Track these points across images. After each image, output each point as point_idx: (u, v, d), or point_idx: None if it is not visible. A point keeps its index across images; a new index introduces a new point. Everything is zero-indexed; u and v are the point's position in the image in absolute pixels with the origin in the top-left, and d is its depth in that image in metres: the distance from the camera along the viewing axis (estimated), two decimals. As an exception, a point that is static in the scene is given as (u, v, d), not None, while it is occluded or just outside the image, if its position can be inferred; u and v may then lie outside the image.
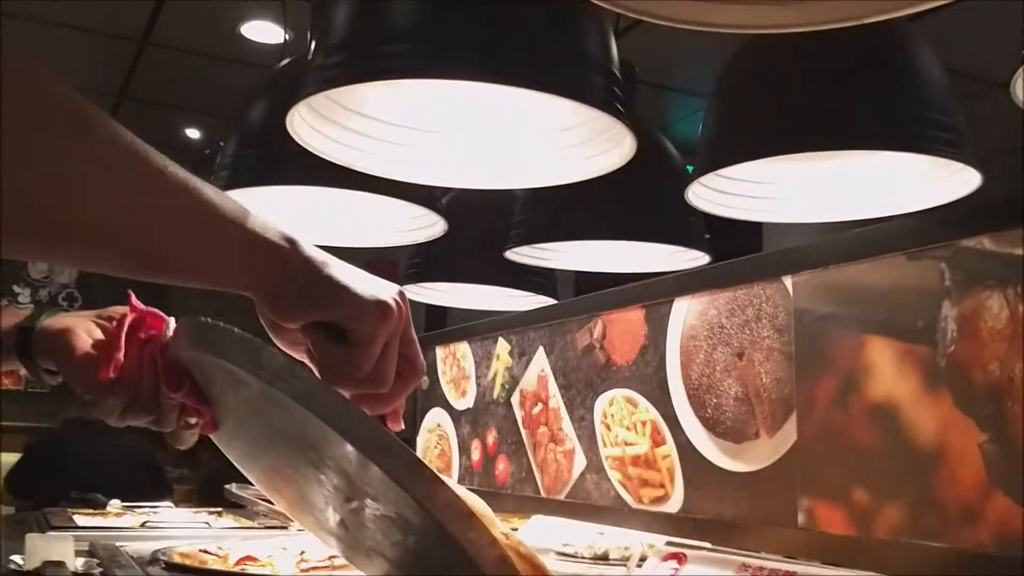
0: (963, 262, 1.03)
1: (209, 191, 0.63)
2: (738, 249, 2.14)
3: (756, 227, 4.97)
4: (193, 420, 0.76)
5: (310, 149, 1.48)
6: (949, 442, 1.03)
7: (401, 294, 0.72)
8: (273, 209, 2.05)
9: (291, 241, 0.67)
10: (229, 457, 0.81)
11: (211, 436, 0.79)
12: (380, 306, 0.69)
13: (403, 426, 0.77)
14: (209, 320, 0.69)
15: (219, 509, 2.66)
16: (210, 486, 4.01)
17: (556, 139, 1.56)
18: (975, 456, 1.00)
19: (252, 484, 0.85)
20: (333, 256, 0.71)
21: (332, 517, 0.75)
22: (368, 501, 0.67)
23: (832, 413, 1.19)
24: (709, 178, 1.83)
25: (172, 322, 0.78)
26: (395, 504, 0.64)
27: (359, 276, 0.70)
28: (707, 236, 2.25)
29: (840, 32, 1.62)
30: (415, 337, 0.73)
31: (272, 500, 0.83)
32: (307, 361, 0.72)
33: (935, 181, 1.75)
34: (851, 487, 1.15)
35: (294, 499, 0.82)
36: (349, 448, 0.61)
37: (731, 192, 1.89)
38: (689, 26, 1.10)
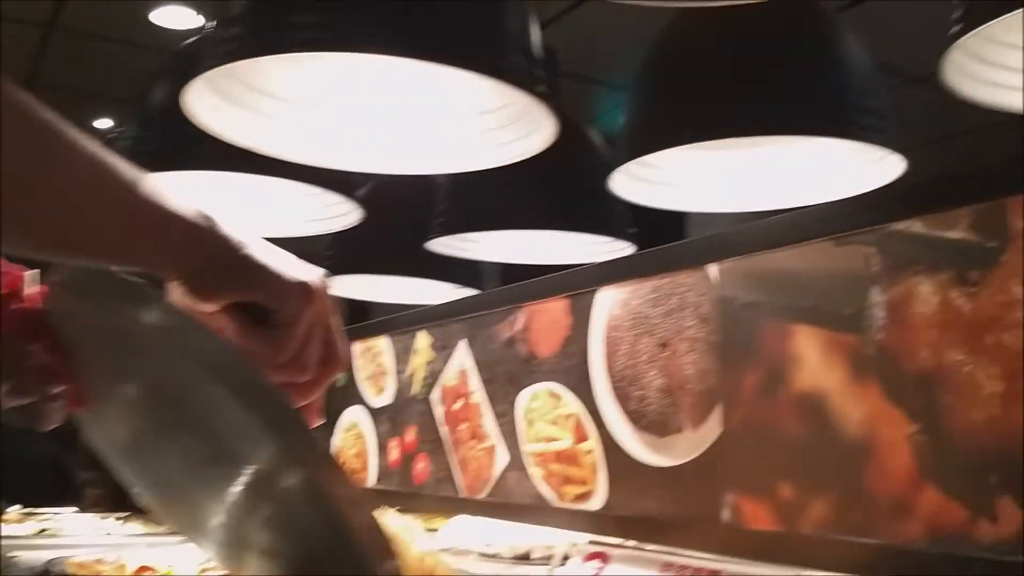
0: (892, 247, 1.00)
1: (123, 168, 0.60)
2: (662, 239, 2.10)
3: (680, 217, 4.98)
4: (56, 390, 0.69)
5: (209, 131, 1.39)
6: (878, 434, 0.99)
7: (323, 278, 0.69)
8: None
9: (209, 219, 0.64)
10: (97, 443, 0.74)
11: (82, 421, 0.72)
12: (303, 287, 0.66)
13: (323, 419, 0.74)
14: (91, 267, 0.64)
15: (127, 514, 2.54)
16: (122, 490, 3.85)
17: (475, 122, 1.49)
18: (905, 448, 0.96)
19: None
20: (255, 236, 0.68)
21: (217, 515, 0.69)
22: (271, 491, 0.62)
23: (758, 405, 1.14)
24: (633, 167, 1.79)
25: (31, 275, 0.71)
26: (301, 500, 0.60)
27: (280, 256, 0.68)
28: (632, 227, 2.21)
29: (765, 18, 1.58)
30: (338, 323, 0.70)
31: (143, 493, 0.77)
32: None
33: (859, 168, 1.73)
34: (777, 481, 1.11)
35: (173, 494, 0.75)
36: (256, 424, 0.58)
37: (655, 181, 1.85)
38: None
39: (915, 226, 0.97)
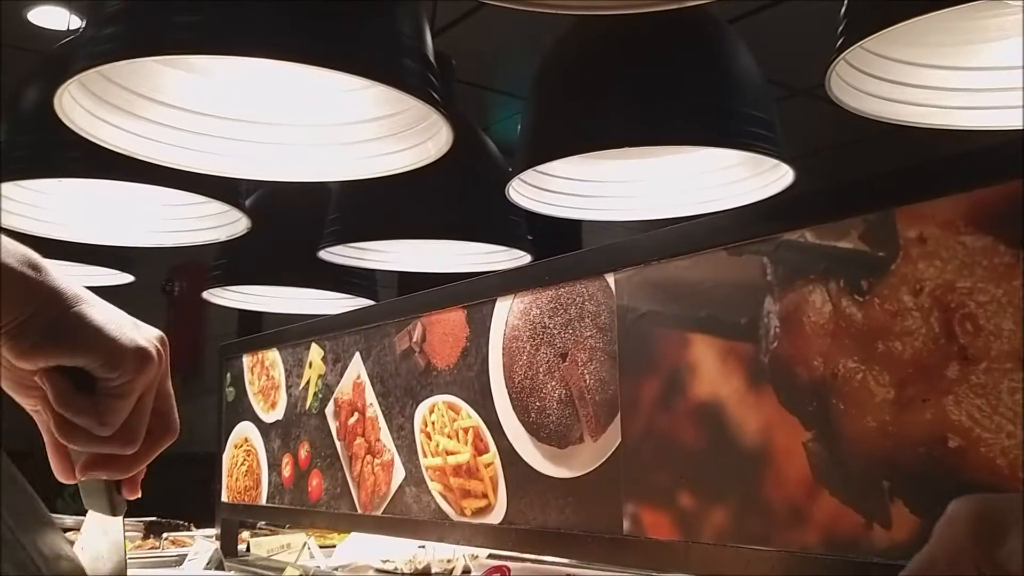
0: (785, 256, 1.00)
1: None
2: (558, 250, 2.10)
3: (576, 227, 5.03)
4: None
5: (84, 135, 1.31)
6: (774, 441, 1.00)
7: (163, 340, 0.65)
8: (52, 205, 1.83)
9: (37, 268, 0.57)
10: None
11: None
12: (139, 353, 0.61)
13: (139, 494, 0.69)
14: None
15: None
16: None
17: (365, 130, 1.45)
18: (800, 455, 0.97)
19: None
20: (90, 291, 0.61)
21: None
22: None
23: (656, 414, 1.14)
24: (531, 175, 1.78)
25: None
26: None
27: (117, 316, 0.61)
28: (527, 236, 2.20)
29: (657, 28, 1.60)
30: (171, 390, 0.65)
31: None
32: (41, 411, 0.60)
33: (748, 178, 1.76)
34: (676, 490, 1.11)
35: None
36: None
37: (552, 190, 1.84)
38: (512, 5, 1.02)
39: (807, 235, 0.98)
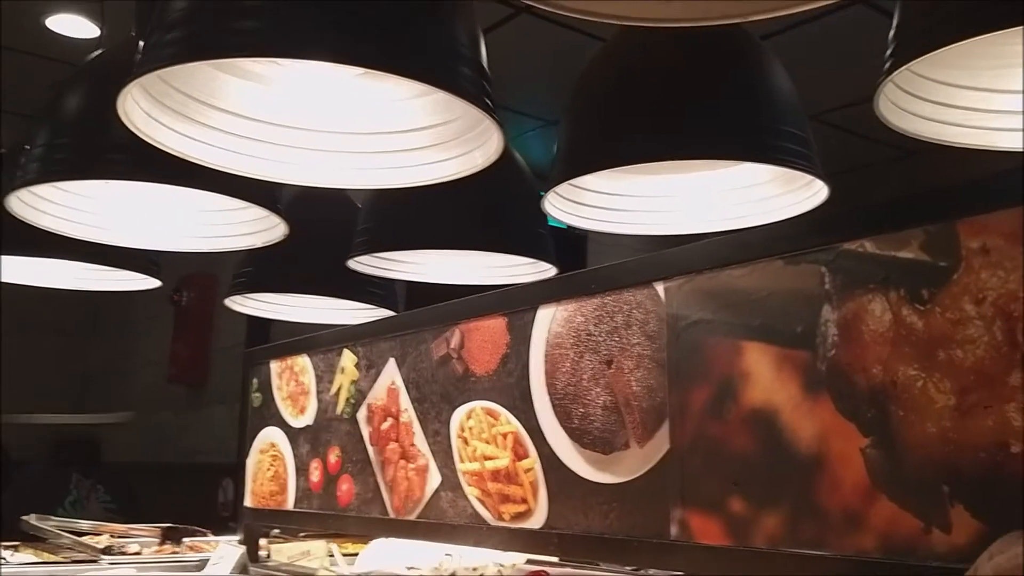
0: (844, 265, 1.03)
1: None
2: (563, 263, 2.13)
3: (581, 243, 5.05)
4: None
5: (143, 137, 1.33)
6: (830, 447, 1.02)
7: None
8: (92, 208, 1.85)
9: None
10: None
11: None
12: None
13: None
14: None
15: (16, 543, 2.39)
16: (7, 517, 3.63)
17: (415, 138, 1.48)
18: (857, 461, 0.99)
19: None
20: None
21: None
22: None
23: (707, 421, 1.16)
24: (566, 188, 1.80)
25: None
26: None
27: None
28: (554, 249, 2.22)
29: (691, 43, 1.63)
30: None
31: None
32: None
33: (780, 195, 1.78)
34: (727, 496, 1.12)
35: None
36: None
37: (586, 203, 1.87)
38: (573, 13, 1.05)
39: (867, 245, 1.01)
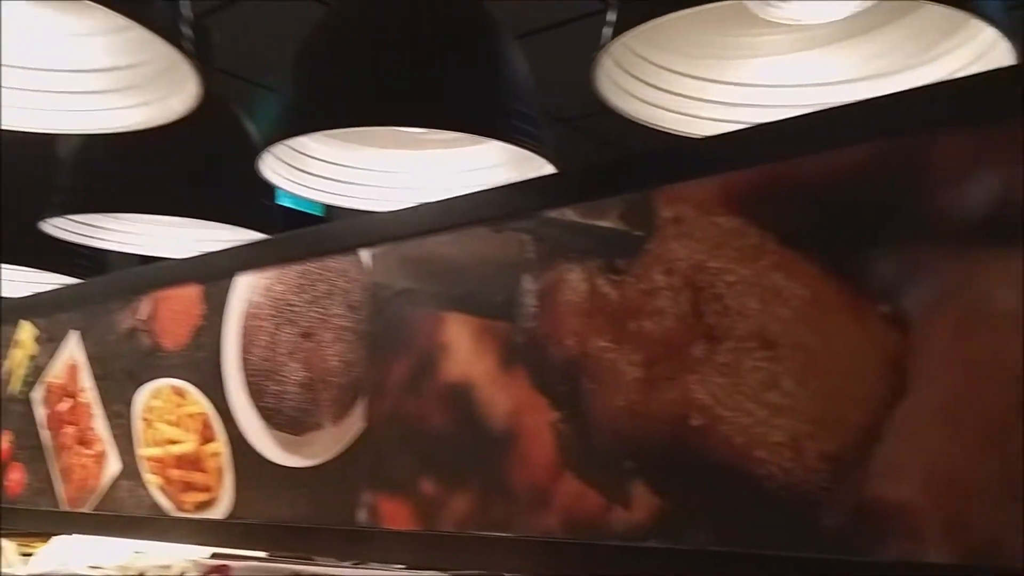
0: (546, 234, 0.98)
1: None
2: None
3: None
4: None
5: None
6: (523, 423, 0.97)
7: None
8: None
9: None
10: None
11: None
12: None
13: None
14: None
15: None
16: None
17: (101, 78, 1.31)
18: (547, 437, 0.95)
19: None
20: None
21: None
22: None
23: (404, 397, 1.08)
24: (289, 154, 1.68)
25: None
26: None
27: None
28: (282, 225, 2.09)
29: (428, 14, 1.57)
30: None
31: None
32: None
33: (514, 178, 1.75)
34: (419, 478, 1.05)
35: None
36: None
37: (310, 172, 1.75)
38: None
39: (569, 213, 0.96)
